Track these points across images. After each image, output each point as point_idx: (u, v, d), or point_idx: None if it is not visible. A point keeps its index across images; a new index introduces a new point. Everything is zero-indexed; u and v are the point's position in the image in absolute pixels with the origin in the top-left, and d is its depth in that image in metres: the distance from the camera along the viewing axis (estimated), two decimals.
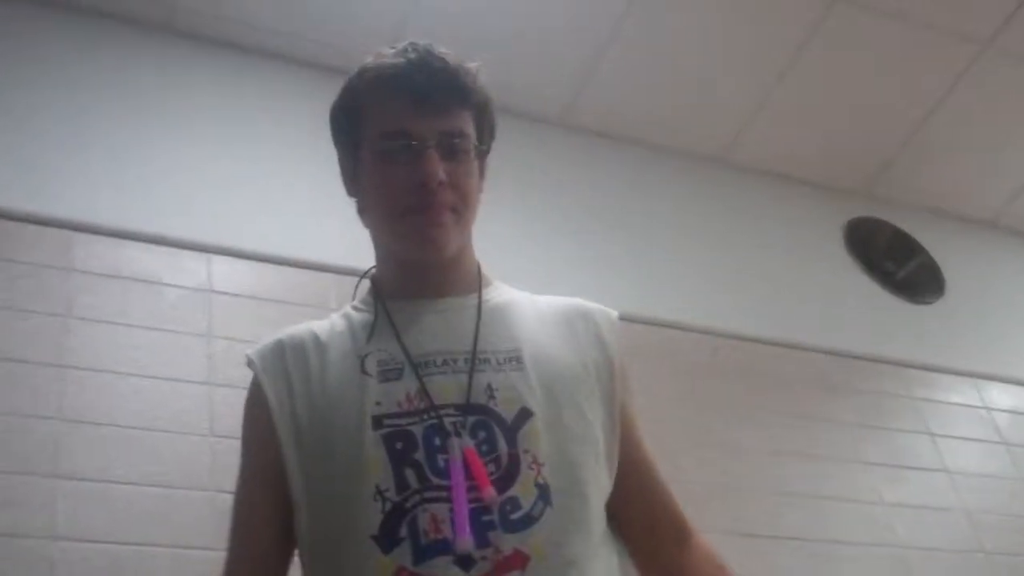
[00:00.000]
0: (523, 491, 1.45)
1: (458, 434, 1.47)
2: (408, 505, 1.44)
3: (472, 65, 1.63)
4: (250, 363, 1.63)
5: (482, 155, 1.66)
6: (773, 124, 4.17)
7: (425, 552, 1.41)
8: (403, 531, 1.42)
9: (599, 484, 1.54)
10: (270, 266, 3.13)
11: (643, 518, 1.60)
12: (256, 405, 1.59)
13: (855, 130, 4.28)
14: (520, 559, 1.41)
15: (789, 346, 3.88)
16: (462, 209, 1.59)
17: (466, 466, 1.44)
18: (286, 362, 1.59)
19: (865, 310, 4.19)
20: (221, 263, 3.10)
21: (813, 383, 3.86)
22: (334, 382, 1.55)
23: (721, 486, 3.36)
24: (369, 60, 1.64)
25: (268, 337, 1.66)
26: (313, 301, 3.03)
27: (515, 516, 1.43)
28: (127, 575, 2.50)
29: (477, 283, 1.65)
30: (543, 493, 1.45)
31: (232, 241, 3.13)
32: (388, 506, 1.44)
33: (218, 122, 3.41)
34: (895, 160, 4.39)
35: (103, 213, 3.03)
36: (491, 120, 1.67)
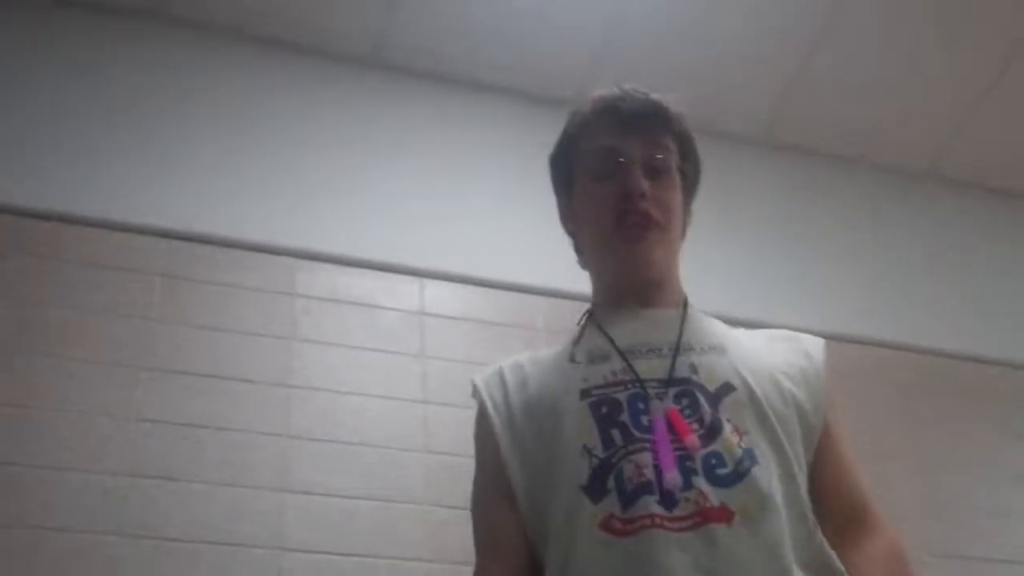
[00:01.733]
0: (726, 449, 1.50)
1: (660, 399, 1.54)
2: (614, 460, 1.50)
3: (675, 97, 1.73)
4: (475, 389, 1.73)
5: (686, 177, 1.74)
6: (980, 136, 4.06)
7: (631, 497, 1.46)
8: (610, 483, 1.48)
9: (800, 465, 1.55)
10: (479, 289, 3.24)
11: (828, 512, 1.58)
12: (482, 427, 1.69)
13: None
14: (726, 514, 1.45)
15: (1003, 364, 3.79)
16: (665, 224, 1.67)
17: (669, 423, 1.51)
18: (504, 378, 1.70)
19: None
20: (433, 287, 3.23)
21: None
22: (545, 377, 1.65)
23: (935, 505, 3.30)
24: (581, 104, 1.77)
25: (492, 365, 1.77)
26: (521, 322, 3.12)
27: (721, 471, 1.48)
28: None
29: (682, 301, 1.71)
30: (748, 454, 1.50)
31: (443, 265, 3.24)
32: (595, 462, 1.50)
33: (430, 153, 3.54)
34: None
35: (324, 241, 3.20)
36: (693, 149, 1.76)
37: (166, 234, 3.05)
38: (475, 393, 1.72)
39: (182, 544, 2.59)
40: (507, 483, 1.61)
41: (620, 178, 1.66)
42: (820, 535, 1.54)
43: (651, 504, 1.45)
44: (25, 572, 2.46)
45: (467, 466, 2.90)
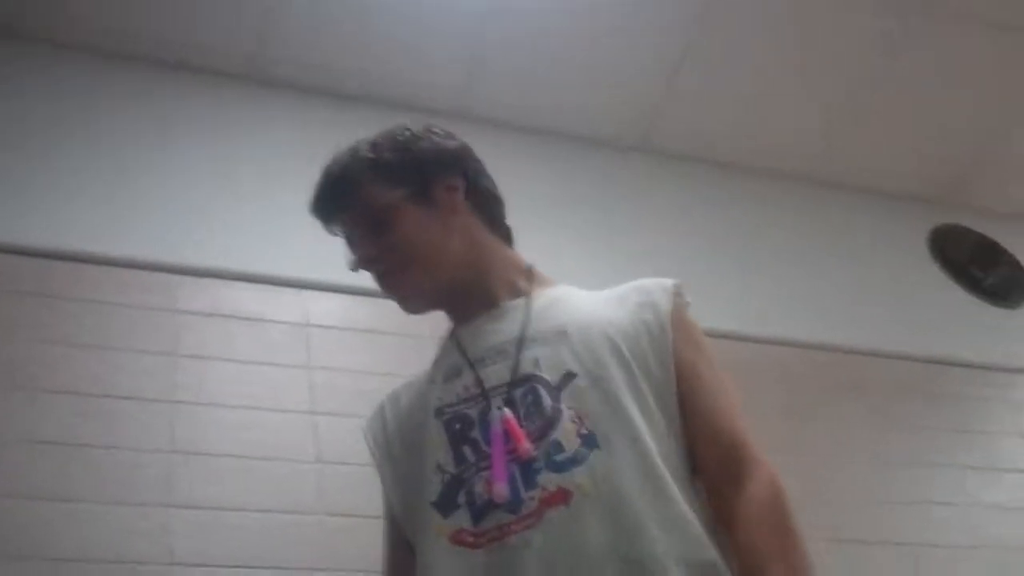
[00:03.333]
0: (565, 437, 1.54)
1: (499, 407, 1.58)
2: (465, 476, 1.57)
3: (377, 137, 1.80)
4: (364, 433, 1.81)
5: (415, 192, 1.75)
6: (854, 137, 4.20)
7: (481, 511, 1.52)
8: (461, 498, 1.55)
9: (655, 431, 1.56)
10: (364, 298, 3.23)
11: (705, 458, 1.59)
12: (376, 468, 1.77)
13: (936, 139, 4.28)
14: (563, 495, 1.49)
15: (882, 355, 3.92)
16: (415, 257, 1.72)
17: (505, 431, 1.56)
18: (384, 412, 1.79)
19: (955, 317, 4.20)
20: (317, 298, 3.24)
21: (907, 390, 3.88)
22: (413, 403, 1.73)
23: (823, 494, 3.41)
24: None
25: (376, 407, 1.83)
26: (407, 331, 3.09)
27: (559, 457, 1.52)
28: None
29: (527, 287, 1.75)
30: (587, 440, 1.53)
31: (326, 276, 3.25)
32: (447, 478, 1.58)
33: (308, 165, 3.52)
34: (975, 168, 4.39)
35: (204, 256, 3.18)
36: (403, 159, 1.77)
37: (43, 254, 3.01)
38: (365, 438, 1.80)
39: (74, 564, 2.55)
40: (392, 513, 1.73)
41: (355, 257, 1.76)
42: (682, 494, 1.53)
43: (500, 515, 1.51)
44: None
45: (358, 475, 2.93)
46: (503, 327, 1.68)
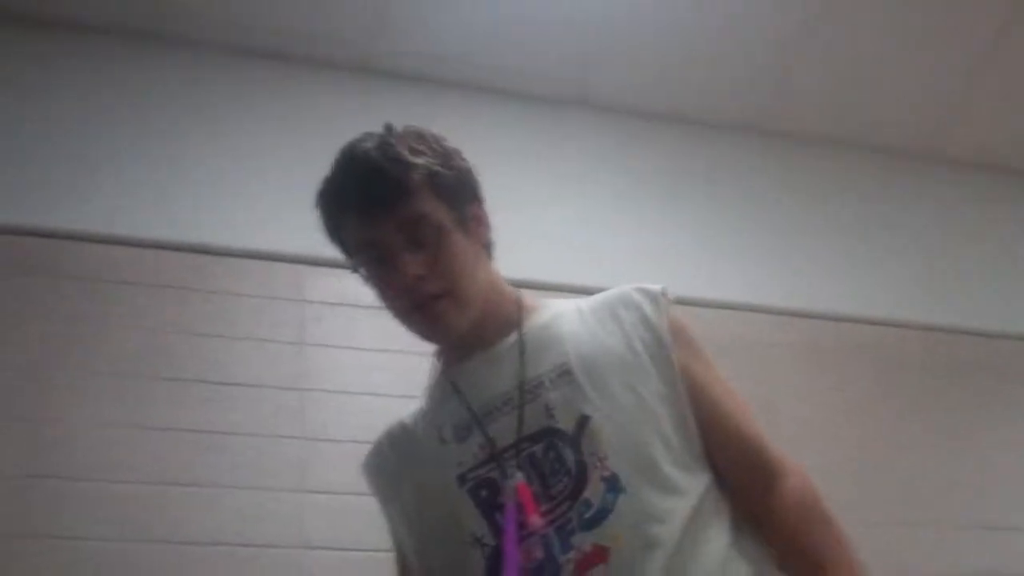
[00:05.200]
0: (592, 491, 1.47)
1: (511, 475, 1.51)
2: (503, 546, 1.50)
3: (411, 133, 1.63)
4: (363, 471, 1.77)
5: (459, 217, 1.61)
6: (980, 115, 4.11)
7: None
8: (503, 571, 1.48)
9: (673, 456, 1.52)
10: None
11: (730, 469, 1.55)
12: (383, 513, 1.74)
13: None
14: (600, 553, 1.44)
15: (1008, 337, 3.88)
16: (454, 288, 1.56)
17: (519, 504, 1.48)
18: (384, 462, 1.72)
19: None
20: None
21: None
22: (424, 465, 1.63)
23: (931, 477, 3.38)
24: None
25: (372, 444, 1.77)
26: None
27: (588, 515, 1.46)
28: None
29: (517, 320, 1.64)
30: (611, 485, 1.47)
31: None
32: (488, 551, 1.51)
33: None
34: None
35: (329, 247, 3.23)
36: (454, 178, 1.63)
37: (175, 247, 3.11)
38: (366, 481, 1.76)
39: (206, 548, 2.65)
40: (404, 557, 1.69)
41: (389, 271, 1.56)
42: (713, 525, 1.51)
43: None
44: None
45: None
46: (502, 372, 1.59)
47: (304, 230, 3.16)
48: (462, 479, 1.55)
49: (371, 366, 3.08)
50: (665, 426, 1.53)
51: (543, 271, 3.14)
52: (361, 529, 2.74)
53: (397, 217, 1.55)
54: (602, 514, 1.46)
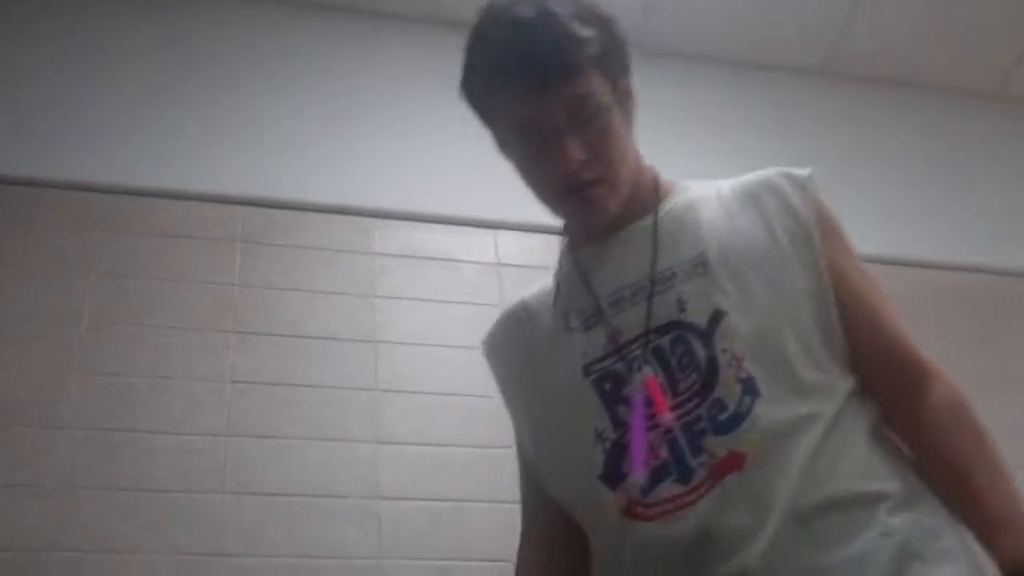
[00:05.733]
0: (726, 392, 1.39)
1: (639, 368, 1.44)
2: (625, 440, 1.43)
3: (566, 5, 1.48)
4: (482, 351, 1.73)
5: (617, 93, 1.52)
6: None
7: (649, 480, 1.39)
8: (625, 466, 1.41)
9: (814, 358, 1.43)
10: (552, 237, 3.26)
11: (874, 370, 1.47)
12: (498, 388, 1.70)
13: None
14: (735, 459, 1.36)
15: None
16: (610, 175, 1.49)
17: (647, 398, 1.42)
18: (506, 343, 1.68)
19: None
20: (507, 238, 3.29)
21: None
22: (545, 349, 1.57)
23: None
24: (477, 26, 1.56)
25: (492, 322, 1.73)
26: None
27: (722, 417, 1.38)
28: (446, 529, 2.73)
29: (654, 201, 1.56)
30: (747, 387, 1.39)
31: (516, 216, 3.29)
32: (608, 445, 1.44)
33: None
34: None
35: (398, 199, 3.26)
36: (618, 50, 1.54)
37: (244, 201, 3.14)
38: (487, 360, 1.71)
39: (283, 498, 2.68)
40: (525, 453, 1.64)
41: (548, 152, 1.47)
42: (857, 428, 1.43)
43: (671, 486, 1.39)
44: (130, 533, 2.56)
45: None
46: (633, 257, 1.52)
47: (374, 182, 3.23)
48: (587, 370, 1.49)
49: (440, 316, 3.09)
50: (807, 325, 1.44)
51: None
52: (433, 479, 2.78)
53: (564, 96, 1.46)
54: (738, 418, 1.38)
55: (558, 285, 1.61)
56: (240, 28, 3.49)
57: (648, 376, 1.43)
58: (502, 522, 2.73)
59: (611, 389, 1.46)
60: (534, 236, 3.27)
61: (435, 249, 3.22)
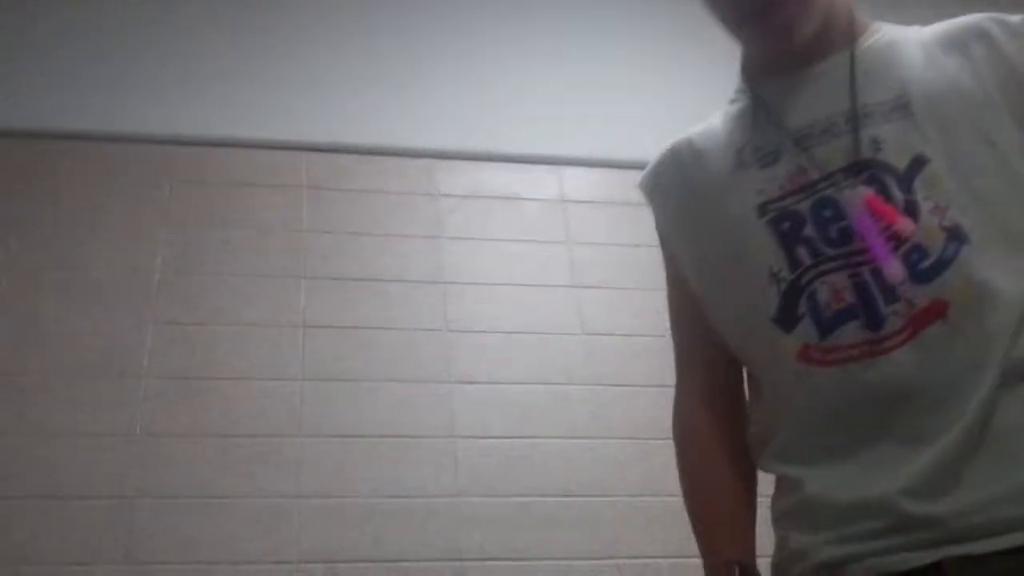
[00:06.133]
0: (927, 238, 1.27)
1: (852, 187, 1.33)
2: (804, 281, 1.33)
3: None
4: (641, 189, 1.60)
5: None
6: None
7: (830, 323, 1.30)
8: (802, 308, 1.32)
9: None
10: (617, 171, 3.26)
11: None
12: (656, 224, 1.58)
13: None
14: (938, 307, 1.25)
15: None
16: None
17: (870, 210, 1.30)
18: (668, 178, 1.54)
19: None
20: (572, 174, 3.29)
21: None
22: (716, 186, 1.46)
23: None
24: None
25: (653, 158, 1.59)
26: None
27: (924, 265, 1.27)
28: (520, 466, 2.76)
29: (850, 36, 1.44)
30: (953, 235, 1.27)
31: (579, 151, 3.29)
32: (784, 286, 1.34)
33: (554, 41, 3.56)
34: None
35: (460, 140, 3.27)
36: None
37: (305, 147, 3.17)
38: (645, 196, 1.59)
39: (359, 439, 2.73)
40: (690, 296, 1.51)
41: None
42: None
43: (855, 331, 1.28)
44: (215, 475, 2.63)
45: (623, 345, 3.00)
46: (824, 93, 1.40)
47: (436, 123, 3.24)
48: (762, 209, 1.39)
49: (507, 255, 3.11)
50: (1022, 180, 1.31)
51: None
52: (504, 418, 2.81)
53: None
54: (941, 266, 1.26)
55: (732, 121, 1.50)
56: None
57: (867, 193, 1.31)
58: (576, 458, 2.78)
59: (790, 229, 1.36)
60: (599, 171, 3.27)
61: (499, 188, 3.23)
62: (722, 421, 1.51)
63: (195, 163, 3.08)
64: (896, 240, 1.28)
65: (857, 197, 1.31)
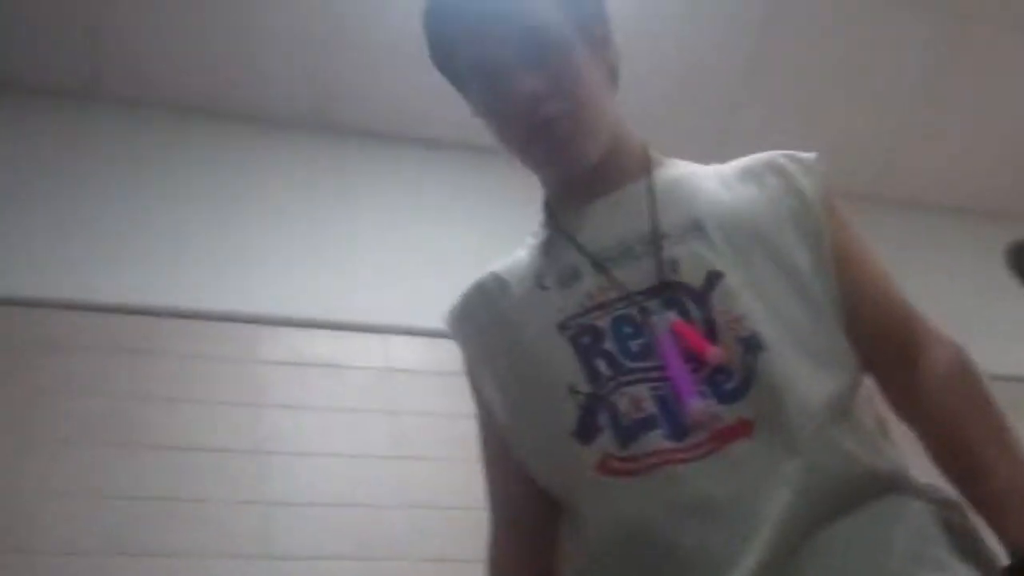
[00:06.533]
0: (729, 355, 1.28)
1: (656, 312, 1.33)
2: (602, 393, 1.31)
3: None
4: (447, 326, 1.57)
5: (585, 33, 1.43)
6: (917, 154, 4.15)
7: (630, 433, 1.28)
8: (601, 419, 1.30)
9: (825, 327, 1.34)
10: (444, 341, 3.25)
11: (876, 344, 1.36)
12: (463, 361, 1.54)
13: (1001, 151, 4.23)
14: (745, 426, 1.25)
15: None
16: (580, 111, 1.38)
17: (677, 337, 1.30)
18: (473, 311, 1.52)
19: None
20: (398, 343, 3.27)
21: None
22: (518, 312, 1.45)
23: None
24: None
25: (458, 294, 1.56)
26: None
27: (729, 386, 1.27)
28: None
29: (646, 166, 1.46)
30: (751, 344, 1.28)
31: (406, 320, 3.28)
32: (582, 399, 1.32)
33: (380, 210, 3.58)
34: None
35: (284, 306, 3.23)
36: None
37: (128, 310, 3.08)
38: (449, 330, 1.56)
39: None
40: (497, 432, 1.48)
41: (503, 93, 1.38)
42: (867, 401, 1.34)
43: (657, 440, 1.27)
44: None
45: (449, 518, 2.95)
46: (622, 218, 1.41)
47: (257, 289, 3.19)
48: (563, 326, 1.37)
49: (329, 425, 3.04)
50: (812, 295, 1.34)
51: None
52: None
53: (513, 28, 1.38)
54: (746, 384, 1.26)
55: (535, 250, 1.49)
56: (124, 131, 3.45)
57: (674, 319, 1.31)
58: None
59: (591, 343, 1.34)
60: (425, 340, 3.26)
61: (323, 355, 3.18)
62: (530, 558, 1.47)
63: (10, 323, 2.96)
64: (701, 368, 1.28)
65: (664, 323, 1.32)
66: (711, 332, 1.29)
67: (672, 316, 1.31)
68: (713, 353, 1.28)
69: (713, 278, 1.32)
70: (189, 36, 3.42)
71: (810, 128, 3.97)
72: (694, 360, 1.28)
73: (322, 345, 3.20)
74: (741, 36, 3.73)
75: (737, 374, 1.27)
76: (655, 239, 1.37)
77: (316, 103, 3.65)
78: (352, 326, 3.25)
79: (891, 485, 1.28)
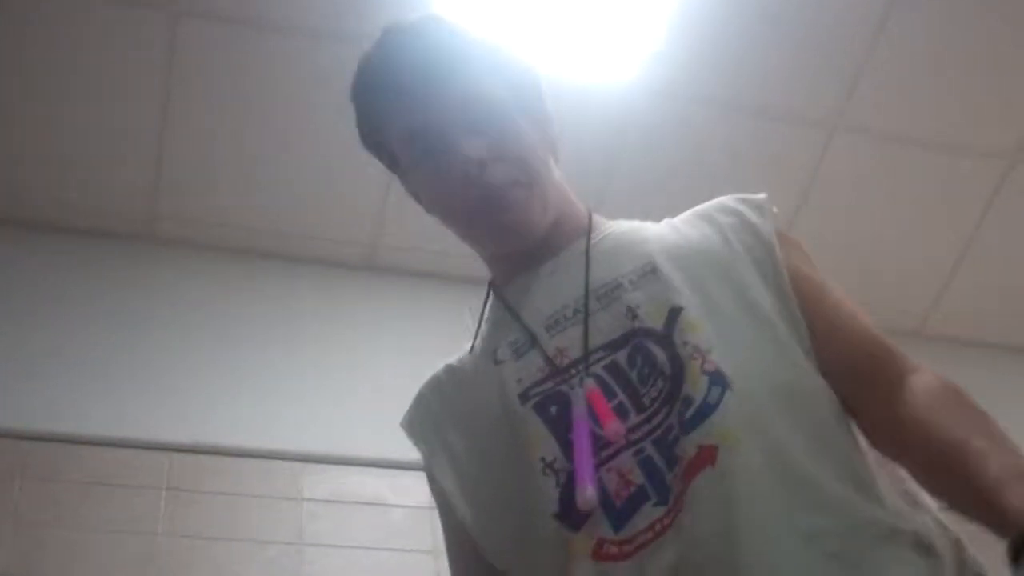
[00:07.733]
0: (693, 386, 1.23)
1: (580, 383, 1.28)
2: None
3: (451, 24, 1.40)
4: (404, 429, 1.52)
5: (526, 106, 1.40)
6: (964, 292, 4.12)
7: (624, 513, 1.22)
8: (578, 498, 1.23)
9: (789, 358, 1.29)
10: None
11: (851, 374, 1.30)
12: (423, 461, 1.48)
13: None
14: (707, 454, 1.19)
15: None
16: (526, 177, 1.35)
17: (591, 411, 1.25)
18: (427, 408, 1.47)
19: None
20: None
21: None
22: (476, 392, 1.40)
23: None
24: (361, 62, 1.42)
25: (415, 397, 1.52)
26: None
27: (689, 413, 1.21)
28: None
29: (587, 229, 1.43)
30: (715, 378, 1.23)
31: None
32: (563, 477, 1.25)
33: (429, 345, 3.57)
34: None
35: (327, 443, 3.22)
36: (517, 62, 1.44)
37: (170, 448, 3.08)
38: (408, 435, 1.50)
39: None
40: (465, 533, 1.39)
41: (446, 161, 1.33)
42: (837, 424, 1.27)
43: (649, 512, 1.22)
44: None
45: None
46: (567, 280, 1.38)
47: (300, 427, 3.19)
48: (524, 396, 1.32)
49: (370, 565, 3.00)
50: (774, 324, 1.30)
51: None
52: None
53: (455, 92, 1.34)
54: (706, 410, 1.21)
55: (484, 331, 1.45)
56: (163, 273, 3.49)
57: (589, 388, 1.26)
58: None
59: (558, 413, 1.28)
60: None
61: (365, 493, 3.16)
62: None
63: (50, 459, 2.96)
64: (603, 447, 1.23)
65: (582, 395, 1.27)
66: (679, 369, 1.25)
67: (591, 383, 1.27)
68: (610, 428, 1.23)
69: (673, 315, 1.29)
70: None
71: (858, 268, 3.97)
72: (594, 437, 1.24)
73: (364, 483, 3.18)
74: None
75: (698, 400, 1.22)
76: (587, 297, 1.33)
77: (371, 241, 3.68)
78: (396, 464, 3.23)
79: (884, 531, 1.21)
